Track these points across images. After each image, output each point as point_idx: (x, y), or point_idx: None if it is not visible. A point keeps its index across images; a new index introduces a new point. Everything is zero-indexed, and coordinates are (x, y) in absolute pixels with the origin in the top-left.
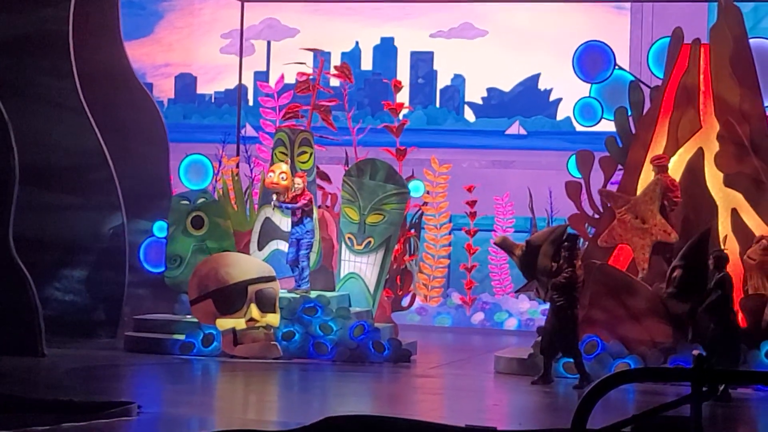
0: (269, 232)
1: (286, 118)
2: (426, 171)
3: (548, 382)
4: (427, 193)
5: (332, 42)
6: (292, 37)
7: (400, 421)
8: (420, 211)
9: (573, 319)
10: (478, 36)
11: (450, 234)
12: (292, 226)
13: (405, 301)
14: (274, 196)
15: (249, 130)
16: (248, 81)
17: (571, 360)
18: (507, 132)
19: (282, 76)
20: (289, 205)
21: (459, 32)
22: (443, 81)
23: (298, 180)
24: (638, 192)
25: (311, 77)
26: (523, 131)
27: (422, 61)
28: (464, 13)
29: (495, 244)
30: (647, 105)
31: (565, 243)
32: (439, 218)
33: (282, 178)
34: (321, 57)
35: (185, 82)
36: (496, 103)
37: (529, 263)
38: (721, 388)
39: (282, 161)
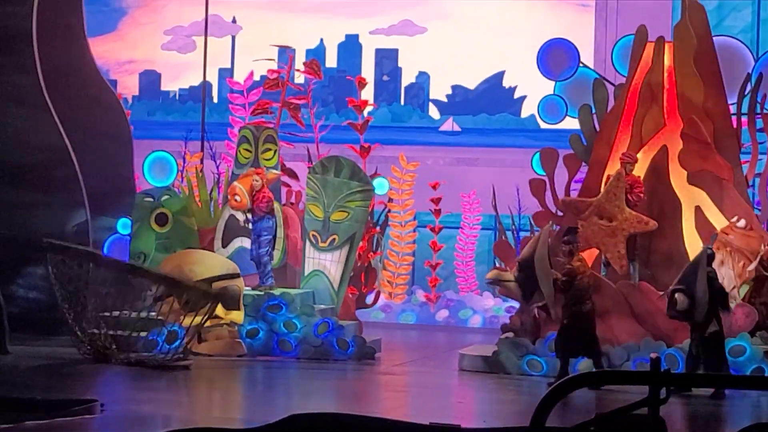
0: (233, 229)
1: (255, 113)
2: (393, 168)
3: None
4: (392, 189)
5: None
6: (234, 34)
7: (365, 419)
8: (387, 209)
9: (585, 315)
10: (417, 33)
11: (415, 231)
12: (253, 224)
13: (369, 299)
14: (249, 214)
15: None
16: (212, 78)
17: (537, 358)
18: (441, 129)
19: (251, 73)
20: (257, 219)
21: (399, 29)
22: (408, 78)
23: (256, 177)
24: (601, 190)
25: (282, 74)
26: (457, 128)
27: (387, 59)
28: (430, 10)
29: (487, 280)
30: (611, 103)
31: (566, 237)
32: (404, 215)
33: (237, 200)
34: (290, 53)
35: (149, 79)
36: (461, 101)
37: (528, 276)
38: None
39: (235, 182)
